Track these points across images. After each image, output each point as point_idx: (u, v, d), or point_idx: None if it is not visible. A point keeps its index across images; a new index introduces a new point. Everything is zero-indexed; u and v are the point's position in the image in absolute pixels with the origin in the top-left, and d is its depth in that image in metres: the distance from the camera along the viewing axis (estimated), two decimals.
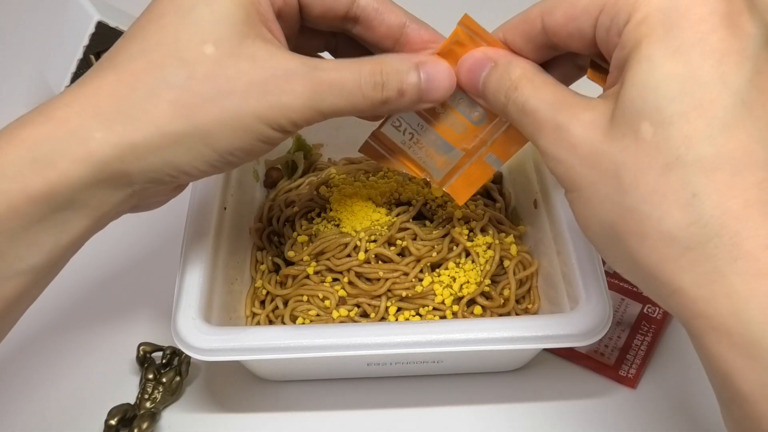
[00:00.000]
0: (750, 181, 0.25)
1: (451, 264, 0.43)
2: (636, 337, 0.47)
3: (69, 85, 0.56)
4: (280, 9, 0.33)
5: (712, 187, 0.25)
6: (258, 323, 0.44)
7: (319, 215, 0.46)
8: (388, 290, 0.43)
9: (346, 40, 0.38)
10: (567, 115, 0.29)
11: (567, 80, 0.32)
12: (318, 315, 0.43)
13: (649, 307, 0.48)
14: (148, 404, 0.43)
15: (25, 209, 0.30)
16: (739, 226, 0.24)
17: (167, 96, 0.31)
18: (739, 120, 0.25)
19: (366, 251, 0.43)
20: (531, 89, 0.31)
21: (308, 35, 0.37)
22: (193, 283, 0.40)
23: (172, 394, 0.44)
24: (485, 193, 0.50)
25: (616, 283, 0.49)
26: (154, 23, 0.32)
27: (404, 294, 0.42)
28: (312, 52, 0.38)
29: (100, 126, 0.30)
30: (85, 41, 0.55)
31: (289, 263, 0.45)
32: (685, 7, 0.26)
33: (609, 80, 0.29)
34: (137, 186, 0.32)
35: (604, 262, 0.43)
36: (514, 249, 0.45)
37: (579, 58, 0.33)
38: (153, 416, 0.43)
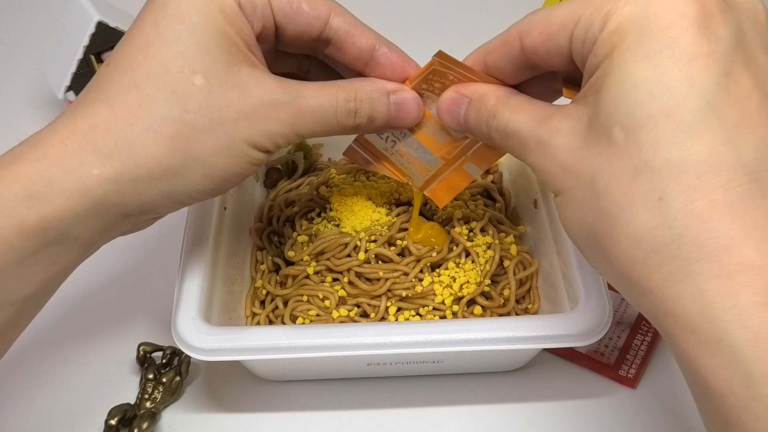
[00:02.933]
0: (715, 183, 0.25)
1: (451, 264, 0.43)
2: (636, 337, 0.47)
3: (69, 86, 0.57)
4: (259, 33, 0.34)
5: (678, 190, 0.25)
6: (258, 323, 0.44)
7: (319, 215, 0.46)
8: (388, 290, 0.43)
9: (317, 62, 0.39)
10: (546, 129, 0.30)
11: (546, 100, 0.33)
12: (318, 315, 0.43)
13: None
14: (148, 404, 0.43)
15: (18, 243, 0.31)
16: (701, 228, 0.25)
17: (165, 131, 0.31)
18: (706, 123, 0.25)
19: (366, 251, 0.43)
20: (509, 113, 0.32)
21: (281, 57, 0.38)
22: (193, 283, 0.40)
23: (172, 394, 0.44)
24: (485, 193, 0.50)
25: None
26: (140, 53, 0.32)
27: (404, 294, 0.42)
28: (285, 72, 0.39)
29: (98, 163, 0.31)
30: (85, 41, 0.55)
31: (289, 263, 0.45)
32: (656, 13, 0.26)
33: (582, 86, 0.29)
34: (132, 217, 0.33)
35: None
36: (514, 249, 0.45)
37: (556, 80, 0.34)
38: (153, 416, 0.43)
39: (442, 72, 0.34)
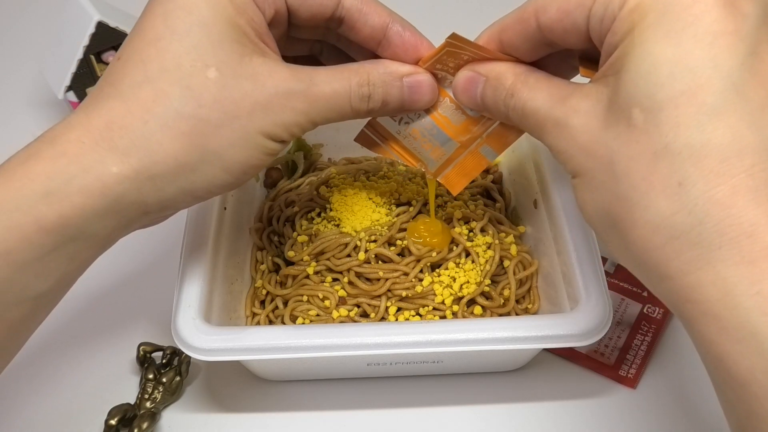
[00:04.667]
0: (738, 168, 0.24)
1: (451, 264, 0.43)
2: (636, 337, 0.47)
3: (69, 86, 0.57)
4: (271, 19, 0.34)
5: (699, 175, 0.25)
6: (258, 323, 0.44)
7: (319, 215, 0.46)
8: (388, 290, 0.43)
9: (329, 46, 0.39)
10: (564, 109, 0.29)
11: (563, 77, 0.32)
12: (318, 315, 0.43)
13: (649, 307, 0.48)
14: (148, 404, 0.43)
15: (37, 241, 0.30)
16: (723, 214, 0.24)
17: (181, 127, 0.31)
18: (730, 105, 0.25)
19: (366, 251, 0.43)
20: (527, 92, 0.31)
21: (293, 41, 0.38)
22: (193, 283, 0.40)
23: (172, 394, 0.44)
24: (485, 193, 0.50)
25: (616, 283, 0.49)
26: (151, 46, 0.32)
27: (404, 294, 0.42)
28: (297, 56, 0.39)
29: (116, 160, 0.31)
30: (85, 41, 0.55)
31: (289, 263, 0.45)
32: None
33: (600, 66, 0.29)
34: (152, 214, 0.33)
35: (604, 262, 0.43)
36: (514, 249, 0.45)
37: (573, 57, 0.33)
38: (153, 416, 0.43)
39: (456, 53, 0.34)
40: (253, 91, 0.32)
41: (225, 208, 0.45)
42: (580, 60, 0.33)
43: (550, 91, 0.31)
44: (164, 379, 0.44)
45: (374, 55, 0.37)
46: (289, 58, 0.34)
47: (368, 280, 0.43)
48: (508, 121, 0.33)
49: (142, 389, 0.44)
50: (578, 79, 0.34)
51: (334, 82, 0.33)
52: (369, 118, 0.39)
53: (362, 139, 0.40)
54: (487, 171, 0.52)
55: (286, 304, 0.44)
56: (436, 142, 0.38)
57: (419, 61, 0.35)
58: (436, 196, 0.46)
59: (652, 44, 0.26)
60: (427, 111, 0.37)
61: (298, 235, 0.45)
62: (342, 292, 0.43)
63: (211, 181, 0.33)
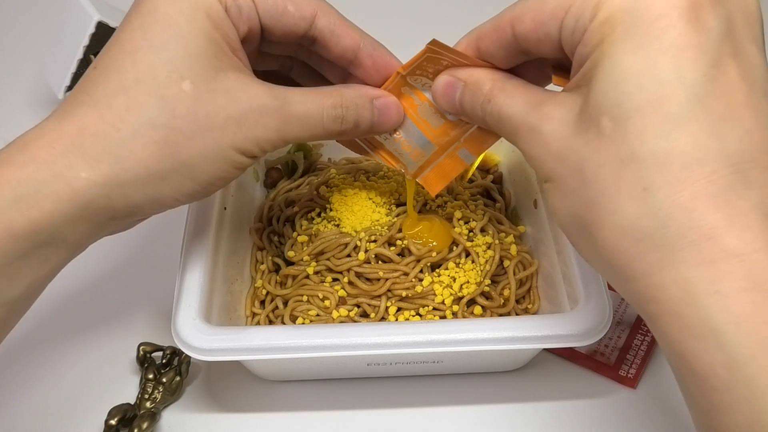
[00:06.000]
0: (699, 174, 0.25)
1: (451, 264, 0.43)
2: (636, 337, 0.47)
3: (69, 86, 0.57)
4: (244, 36, 0.34)
5: (663, 181, 0.26)
6: (258, 323, 0.44)
7: (319, 215, 0.46)
8: (388, 290, 0.43)
9: (299, 63, 0.40)
10: (538, 116, 0.30)
11: (539, 84, 0.33)
12: (318, 315, 0.43)
13: None
14: (148, 404, 0.43)
15: (7, 246, 0.31)
16: (685, 218, 0.25)
17: (153, 136, 0.32)
18: (692, 114, 0.26)
19: (366, 251, 0.43)
20: (504, 98, 0.32)
21: (264, 56, 0.38)
22: (193, 283, 0.40)
23: (172, 394, 0.44)
24: (485, 193, 0.50)
25: None
26: (128, 57, 0.32)
27: (404, 294, 0.42)
28: (267, 70, 0.39)
29: (86, 166, 0.31)
30: (85, 41, 0.55)
31: (289, 263, 0.45)
32: (646, 4, 0.26)
33: (571, 76, 0.30)
34: (119, 219, 0.34)
35: None
36: (514, 249, 0.45)
37: (548, 66, 0.34)
38: (153, 416, 0.43)
39: (435, 58, 0.34)
40: (227, 106, 0.33)
41: (225, 208, 0.45)
42: (552, 69, 0.33)
43: (525, 97, 0.31)
44: (164, 379, 0.44)
45: (344, 74, 0.38)
46: (258, 73, 0.35)
47: (368, 280, 0.43)
48: (485, 125, 0.34)
49: (142, 389, 0.44)
50: (552, 87, 0.34)
51: (307, 103, 0.35)
52: None
53: (348, 142, 0.41)
54: (487, 171, 0.52)
55: (286, 304, 0.44)
56: (416, 144, 0.39)
57: (399, 70, 0.36)
58: (436, 196, 0.47)
59: (620, 56, 0.27)
60: (408, 114, 0.38)
61: (298, 235, 0.45)
62: (342, 292, 0.43)
63: (179, 191, 0.33)
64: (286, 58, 0.40)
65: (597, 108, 0.27)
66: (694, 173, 0.25)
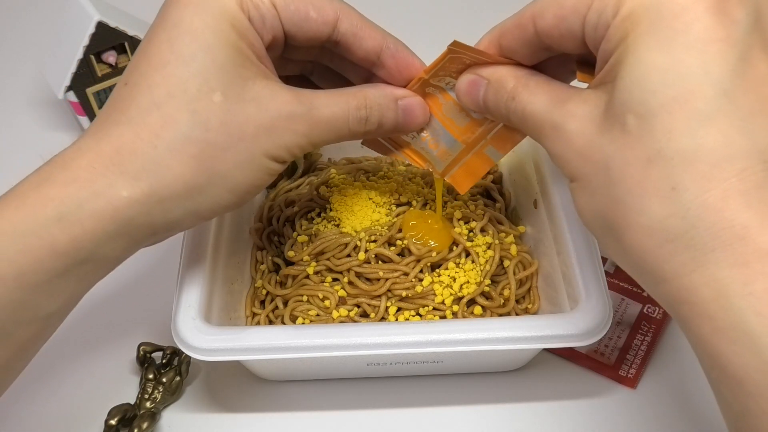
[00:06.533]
0: (729, 172, 0.25)
1: (451, 264, 0.43)
2: (636, 337, 0.47)
3: (69, 86, 0.57)
4: (269, 44, 0.35)
5: (691, 180, 0.25)
6: (258, 323, 0.44)
7: (319, 215, 0.46)
8: (388, 290, 0.43)
9: (321, 67, 0.40)
10: (562, 113, 0.30)
11: (563, 80, 0.33)
12: (318, 315, 0.43)
13: (649, 307, 0.48)
14: (148, 404, 0.43)
15: (49, 263, 0.31)
16: (715, 217, 0.25)
17: (189, 151, 0.32)
18: (720, 110, 0.25)
19: (366, 251, 0.43)
20: (527, 95, 0.32)
21: (286, 61, 0.38)
22: (193, 283, 0.40)
23: (172, 394, 0.44)
24: (485, 193, 0.50)
25: (616, 283, 0.49)
26: (157, 72, 0.32)
27: (404, 294, 0.42)
28: (289, 75, 0.40)
29: (126, 185, 0.32)
30: (85, 41, 0.55)
31: (289, 263, 0.45)
32: None
33: (596, 72, 0.29)
34: (159, 234, 0.34)
35: (604, 262, 0.43)
36: (514, 249, 0.45)
37: (572, 61, 0.34)
38: (153, 416, 0.43)
39: (458, 58, 0.34)
40: (257, 115, 0.33)
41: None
42: (577, 65, 0.33)
43: (549, 94, 0.31)
44: (164, 379, 0.44)
45: (367, 75, 0.38)
46: (281, 78, 0.35)
47: (368, 280, 0.43)
48: (509, 123, 0.34)
49: (142, 389, 0.44)
50: (575, 83, 0.34)
51: (333, 106, 0.35)
52: None
53: (370, 142, 0.41)
54: (487, 171, 0.52)
55: (286, 304, 0.44)
56: (443, 143, 0.39)
57: (421, 73, 0.36)
58: (445, 203, 0.46)
59: (644, 52, 0.26)
60: (435, 114, 0.38)
61: (298, 235, 0.45)
62: (342, 292, 0.43)
63: (217, 202, 0.34)
64: (307, 62, 0.40)
65: (622, 105, 0.27)
66: (724, 171, 0.25)
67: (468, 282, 0.43)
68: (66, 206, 0.31)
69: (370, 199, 0.46)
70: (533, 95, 0.32)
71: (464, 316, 0.42)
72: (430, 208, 0.46)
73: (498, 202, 0.49)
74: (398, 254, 0.43)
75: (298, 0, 0.34)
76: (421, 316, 0.42)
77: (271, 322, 0.44)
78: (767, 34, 0.26)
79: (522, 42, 0.32)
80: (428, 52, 0.37)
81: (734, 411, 0.26)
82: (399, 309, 0.43)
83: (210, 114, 0.32)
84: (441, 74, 0.36)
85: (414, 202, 0.45)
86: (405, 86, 0.37)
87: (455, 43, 0.33)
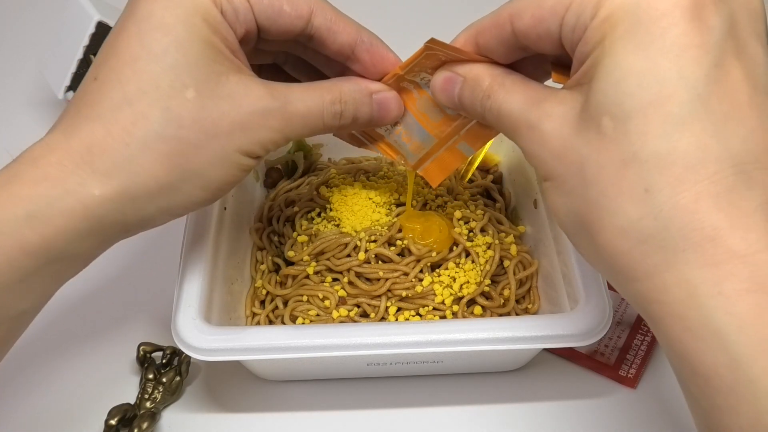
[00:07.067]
0: (702, 175, 0.25)
1: (451, 264, 0.43)
2: (636, 337, 0.47)
3: (69, 86, 0.57)
4: (242, 38, 0.34)
5: (664, 182, 0.26)
6: (258, 323, 0.44)
7: (319, 215, 0.46)
8: (388, 290, 0.43)
9: (294, 57, 0.40)
10: (538, 113, 0.30)
11: (538, 79, 0.33)
12: (318, 315, 0.43)
13: None
14: (148, 404, 0.43)
15: (20, 263, 0.31)
16: (687, 219, 0.25)
17: (161, 149, 0.32)
18: (695, 115, 0.25)
19: (366, 251, 0.43)
20: (503, 94, 0.32)
21: (258, 53, 0.38)
22: (193, 283, 0.40)
23: (172, 394, 0.44)
24: (485, 193, 0.50)
25: None
26: (128, 67, 0.32)
27: (404, 294, 0.42)
28: (261, 64, 0.39)
29: (98, 183, 0.31)
30: (85, 41, 0.55)
31: (289, 263, 0.45)
32: (648, 3, 0.26)
33: (572, 73, 0.29)
34: (131, 231, 0.34)
35: None
36: (514, 249, 0.45)
37: (547, 62, 0.34)
38: (153, 416, 0.43)
39: (434, 55, 0.34)
40: (230, 111, 0.33)
41: (225, 208, 0.45)
42: (552, 65, 0.33)
43: (525, 94, 0.31)
44: (164, 379, 0.44)
45: (342, 68, 0.38)
46: (254, 67, 0.35)
47: (368, 280, 0.43)
48: (484, 121, 0.34)
49: (142, 389, 0.44)
50: (551, 83, 0.34)
51: (307, 101, 0.35)
52: None
53: (344, 135, 0.41)
54: (487, 171, 0.52)
55: (286, 304, 0.44)
56: (416, 137, 0.39)
57: (396, 68, 0.36)
58: (435, 197, 0.47)
59: (622, 55, 0.26)
60: (409, 108, 0.38)
61: (298, 235, 0.45)
62: (342, 292, 0.43)
63: (190, 200, 0.34)
64: (280, 52, 0.39)
65: (598, 107, 0.27)
66: (697, 174, 0.25)
67: (468, 282, 0.43)
68: (36, 205, 0.31)
69: (370, 199, 0.46)
70: (509, 94, 0.32)
71: (464, 316, 0.42)
72: (430, 208, 0.46)
73: (498, 202, 0.49)
74: (398, 254, 0.43)
75: None
76: (421, 316, 0.42)
77: (271, 322, 0.44)
78: (741, 41, 0.26)
79: (499, 41, 0.32)
80: (405, 47, 0.37)
81: (703, 408, 0.26)
82: (399, 309, 0.43)
83: (183, 111, 0.32)
84: (416, 70, 0.36)
85: (414, 202, 0.45)
86: (380, 80, 0.37)
87: (432, 40, 0.33)
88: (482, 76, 0.33)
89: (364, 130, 0.40)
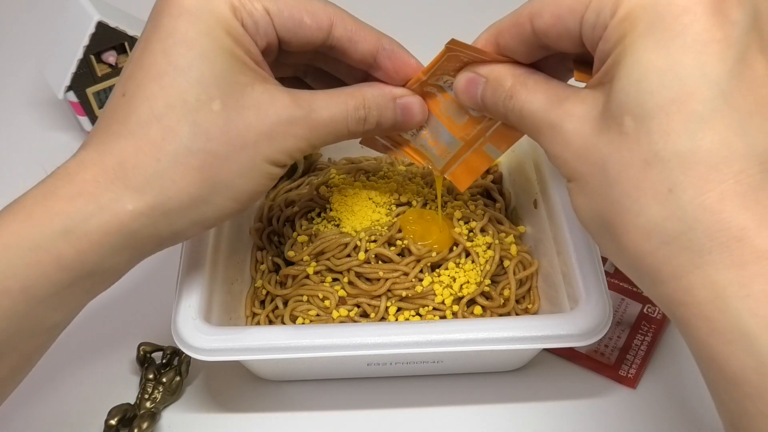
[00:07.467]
0: (726, 174, 0.25)
1: (451, 264, 0.43)
2: (636, 337, 0.47)
3: (69, 86, 0.57)
4: (263, 49, 0.34)
5: (689, 182, 0.25)
6: (258, 323, 0.44)
7: (319, 215, 0.46)
8: (388, 290, 0.43)
9: (314, 68, 0.40)
10: (560, 113, 0.30)
11: (561, 78, 0.33)
12: (318, 315, 0.43)
13: (649, 307, 0.48)
14: (148, 404, 0.43)
15: (56, 276, 0.32)
16: (713, 219, 0.25)
17: (191, 163, 0.32)
18: (718, 112, 0.25)
19: (366, 251, 0.43)
20: (525, 94, 0.32)
21: (279, 66, 0.38)
22: (193, 283, 0.40)
23: (172, 394, 0.44)
24: (485, 193, 0.50)
25: (616, 283, 0.49)
26: (155, 82, 0.32)
27: (404, 294, 0.42)
28: (283, 77, 0.39)
29: (131, 198, 0.32)
30: (85, 41, 0.55)
31: (289, 263, 0.45)
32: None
33: (594, 72, 0.29)
34: (165, 244, 0.35)
35: (604, 262, 0.43)
36: (514, 249, 0.45)
37: (570, 60, 0.34)
38: (153, 416, 0.43)
39: (456, 56, 0.34)
40: (256, 121, 0.33)
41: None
42: (574, 64, 0.33)
43: (547, 93, 0.31)
44: (164, 379, 0.44)
45: (364, 76, 0.38)
46: (277, 80, 0.35)
47: (368, 280, 0.43)
48: (507, 121, 0.34)
49: (142, 389, 0.44)
50: (573, 82, 0.34)
51: (332, 107, 0.35)
52: None
53: (368, 142, 0.41)
54: (487, 171, 0.52)
55: (286, 304, 0.44)
56: (442, 140, 0.39)
57: (419, 73, 0.36)
58: (435, 197, 0.47)
59: (642, 53, 0.26)
60: (433, 111, 0.38)
61: (298, 235, 0.45)
62: (342, 292, 0.43)
63: (221, 211, 0.34)
64: (301, 65, 0.40)
65: (619, 107, 0.27)
66: (722, 173, 0.25)
67: (468, 282, 0.43)
68: (72, 220, 0.31)
69: (370, 199, 0.46)
70: (531, 94, 0.31)
71: (464, 316, 0.42)
72: (430, 208, 0.46)
73: (498, 202, 0.49)
74: (398, 254, 0.43)
75: (292, 6, 0.34)
76: (421, 316, 0.42)
77: (271, 322, 0.44)
78: (765, 34, 0.26)
79: (519, 40, 0.32)
80: (425, 51, 0.37)
81: (731, 413, 0.26)
82: (399, 309, 0.43)
83: (210, 124, 0.32)
84: (439, 73, 0.36)
85: (414, 202, 0.45)
86: (403, 86, 0.37)
87: (453, 41, 0.33)
88: (504, 76, 0.33)
89: (389, 136, 0.40)
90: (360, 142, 0.41)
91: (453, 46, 0.33)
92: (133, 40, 0.56)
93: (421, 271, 0.43)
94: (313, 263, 0.44)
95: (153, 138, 0.32)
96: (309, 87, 0.40)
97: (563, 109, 0.30)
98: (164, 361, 0.45)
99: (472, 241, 0.44)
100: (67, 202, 0.31)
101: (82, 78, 0.57)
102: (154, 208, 0.32)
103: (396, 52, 0.36)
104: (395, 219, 0.44)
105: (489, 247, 0.44)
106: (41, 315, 0.32)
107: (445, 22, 0.71)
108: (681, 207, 0.25)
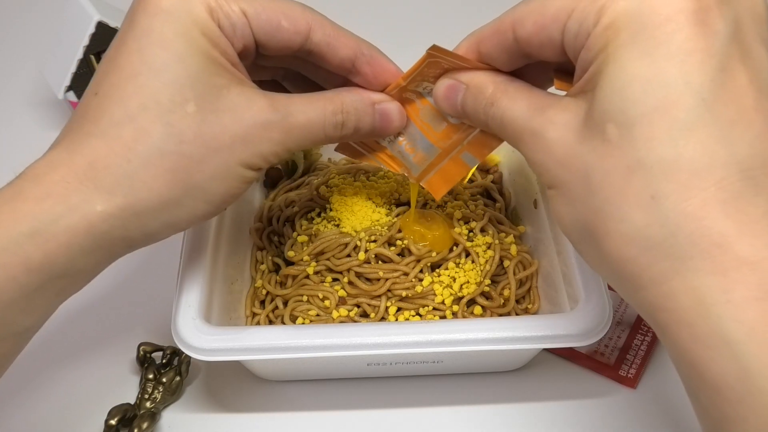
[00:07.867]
0: (708, 181, 0.25)
1: (451, 264, 0.43)
2: (636, 337, 0.47)
3: (69, 86, 0.57)
4: (240, 52, 0.34)
5: (671, 189, 0.25)
6: (258, 323, 0.44)
7: (319, 215, 0.46)
8: (388, 290, 0.43)
9: (292, 72, 0.39)
10: (542, 121, 0.30)
11: (541, 87, 0.33)
12: (318, 315, 0.43)
13: None
14: (148, 404, 0.43)
15: (23, 279, 0.31)
16: (694, 226, 0.25)
17: (163, 164, 0.32)
18: (700, 120, 0.25)
19: (366, 251, 0.43)
20: (506, 101, 0.32)
21: (256, 69, 0.38)
22: (193, 283, 0.40)
23: (172, 394, 0.44)
24: (485, 193, 0.50)
25: None
26: (129, 82, 0.32)
27: (404, 294, 0.42)
28: (261, 80, 0.39)
29: (101, 200, 0.31)
30: (85, 41, 0.55)
31: (289, 263, 0.45)
32: (652, 8, 0.26)
33: (575, 81, 0.29)
34: (136, 246, 0.34)
35: None
36: (514, 249, 0.45)
37: (551, 69, 0.34)
38: (153, 416, 0.43)
39: (436, 63, 0.34)
40: (232, 124, 0.33)
41: (225, 209, 0.45)
42: (555, 73, 0.33)
43: (529, 101, 0.31)
44: (164, 379, 0.44)
45: (343, 81, 0.37)
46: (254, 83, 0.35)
47: (368, 280, 0.43)
48: (487, 129, 0.34)
49: (142, 389, 0.44)
50: (554, 91, 0.34)
51: (309, 112, 0.35)
52: None
53: (343, 148, 0.40)
54: (487, 171, 0.52)
55: (286, 304, 0.44)
56: (420, 147, 0.39)
57: (399, 78, 0.36)
58: (445, 203, 0.46)
59: (625, 62, 0.26)
60: (411, 117, 0.38)
61: (298, 235, 0.45)
62: (342, 292, 0.43)
63: (193, 213, 0.34)
64: (279, 68, 0.39)
65: (602, 114, 0.27)
66: (703, 180, 0.25)
67: (468, 282, 0.43)
68: (40, 222, 0.30)
69: (370, 199, 0.46)
70: (512, 101, 0.31)
71: (464, 316, 0.42)
72: (430, 208, 0.46)
73: (498, 202, 0.49)
74: (398, 254, 0.43)
75: (270, 9, 0.34)
76: (421, 316, 0.42)
77: (271, 322, 0.44)
78: (746, 45, 0.26)
79: (501, 48, 0.32)
80: (405, 57, 0.37)
81: (712, 418, 0.26)
82: (399, 309, 0.43)
83: (184, 126, 0.32)
84: (419, 79, 0.35)
85: (414, 202, 0.45)
86: (381, 91, 0.37)
87: (434, 48, 0.33)
88: (485, 83, 0.33)
89: (366, 142, 0.40)
90: (335, 149, 0.40)
91: (434, 52, 0.33)
92: None
93: (421, 271, 0.43)
94: (313, 263, 0.44)
95: (125, 138, 0.31)
96: (287, 91, 0.40)
97: (545, 116, 0.30)
98: (164, 361, 0.45)
99: (472, 241, 0.44)
100: (35, 203, 0.31)
101: (82, 78, 0.57)
102: (124, 209, 0.32)
103: (375, 58, 0.36)
104: (395, 219, 0.44)
105: (489, 247, 0.44)
106: (11, 319, 0.32)
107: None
108: (663, 214, 0.25)
